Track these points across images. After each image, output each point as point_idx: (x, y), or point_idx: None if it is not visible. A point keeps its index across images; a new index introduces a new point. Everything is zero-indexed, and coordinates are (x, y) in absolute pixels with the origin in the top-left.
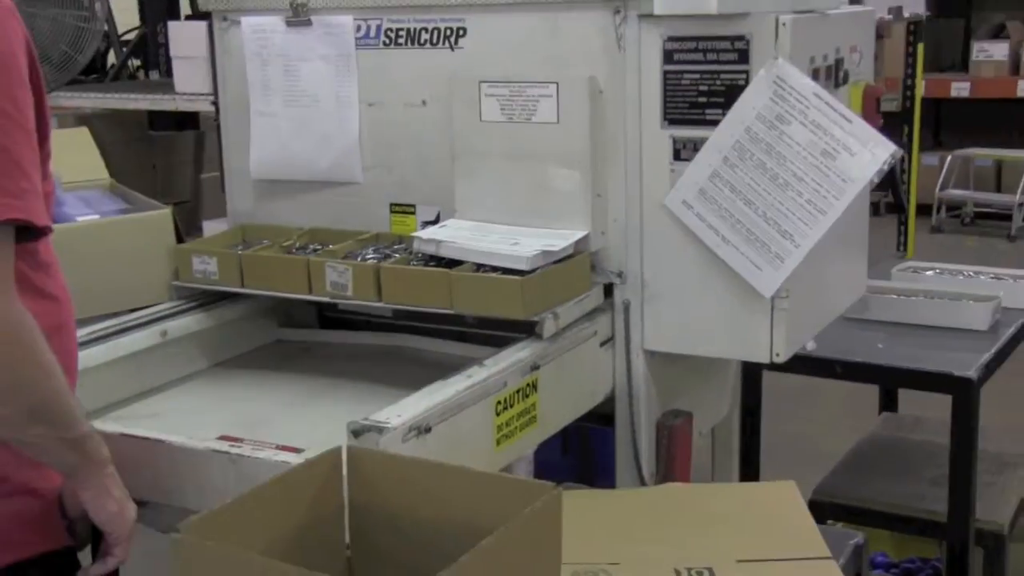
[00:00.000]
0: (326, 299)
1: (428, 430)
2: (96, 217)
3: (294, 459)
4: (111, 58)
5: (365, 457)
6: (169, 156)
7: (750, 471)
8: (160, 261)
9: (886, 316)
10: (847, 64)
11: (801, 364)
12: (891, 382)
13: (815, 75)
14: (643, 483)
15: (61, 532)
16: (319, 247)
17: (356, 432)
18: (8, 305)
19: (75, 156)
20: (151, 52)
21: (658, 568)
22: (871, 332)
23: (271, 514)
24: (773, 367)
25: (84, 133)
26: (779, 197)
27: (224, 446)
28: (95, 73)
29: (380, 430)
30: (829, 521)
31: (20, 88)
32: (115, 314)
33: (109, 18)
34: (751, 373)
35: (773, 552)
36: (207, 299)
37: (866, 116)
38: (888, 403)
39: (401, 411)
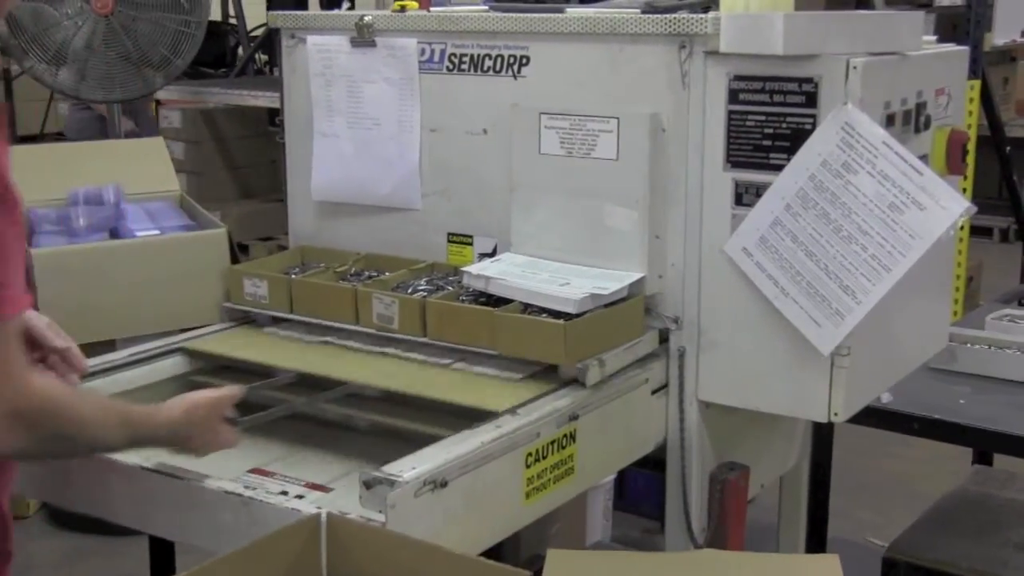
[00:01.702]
0: (372, 330)
1: (444, 484)
2: (155, 232)
3: (308, 506)
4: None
5: (344, 526)
6: None
7: (818, 528)
8: (213, 281)
9: (973, 368)
10: (930, 108)
11: (874, 417)
12: (970, 442)
13: (890, 120)
14: (692, 538)
15: None
16: (374, 274)
17: (367, 484)
18: (24, 389)
19: (147, 166)
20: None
21: None
22: (956, 386)
23: None
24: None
25: (159, 143)
26: (842, 250)
27: (238, 487)
28: (224, 67)
29: (391, 483)
30: None
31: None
32: (165, 333)
33: (238, 13)
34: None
35: None
36: (258, 322)
37: (950, 162)
38: (983, 453)
39: (417, 463)
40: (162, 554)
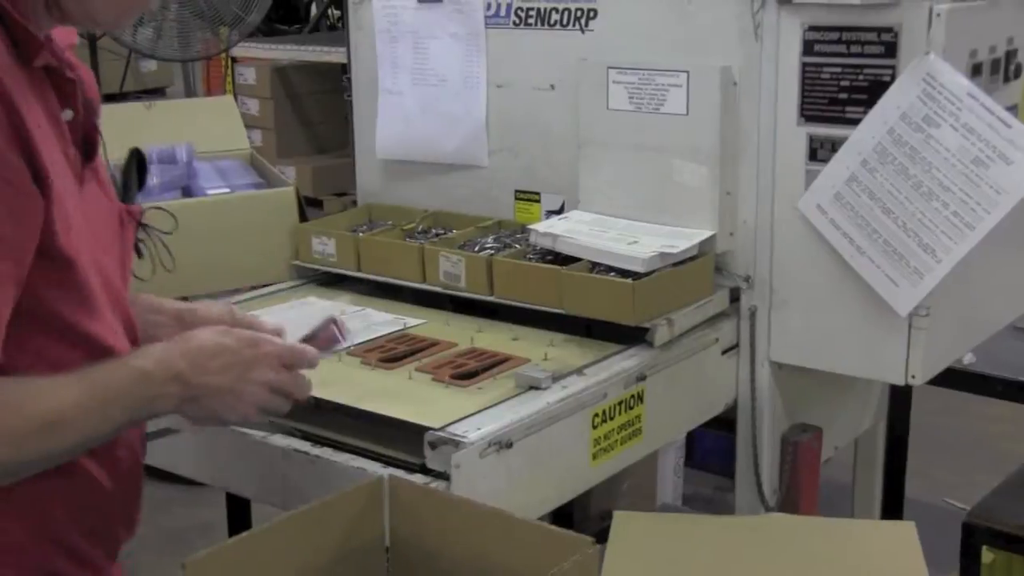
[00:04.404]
0: (439, 288)
1: (510, 445)
2: (225, 191)
3: (372, 466)
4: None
5: (407, 489)
6: None
7: (895, 489)
8: (282, 239)
9: None
10: (1021, 56)
11: (956, 379)
12: None
13: (976, 70)
14: (763, 501)
15: None
16: (441, 232)
17: (432, 444)
18: None
19: (218, 125)
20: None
21: None
22: None
23: (308, 541)
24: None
25: (229, 102)
26: (922, 207)
27: (305, 445)
28: (297, 23)
29: (456, 444)
30: (984, 548)
31: None
32: (235, 291)
33: None
34: None
35: None
36: (326, 279)
37: None
38: None
39: (481, 423)
40: (239, 505)
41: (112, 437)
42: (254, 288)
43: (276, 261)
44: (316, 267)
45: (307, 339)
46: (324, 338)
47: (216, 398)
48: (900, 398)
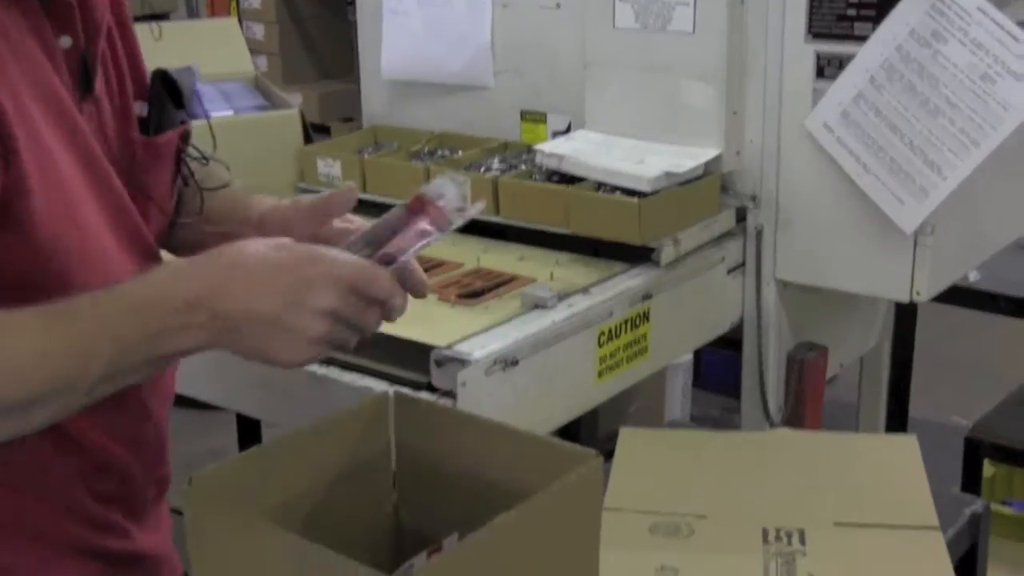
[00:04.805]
0: None
1: (515, 363)
2: (229, 114)
3: (378, 384)
4: None
5: (412, 405)
6: None
7: (899, 407)
8: (287, 162)
9: None
10: None
11: (960, 296)
12: None
13: None
14: (769, 418)
15: None
16: (447, 153)
17: (438, 362)
18: None
19: (222, 47)
20: None
21: (746, 525)
22: None
23: (314, 456)
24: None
25: (232, 24)
26: (928, 125)
27: (312, 365)
28: None
29: (462, 362)
30: (986, 462)
31: None
32: None
33: None
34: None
35: (876, 516)
36: None
37: None
38: None
39: (487, 342)
40: (249, 429)
41: (113, 388)
42: None
43: (281, 184)
44: (321, 189)
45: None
46: (415, 232)
47: (261, 328)
48: (905, 317)
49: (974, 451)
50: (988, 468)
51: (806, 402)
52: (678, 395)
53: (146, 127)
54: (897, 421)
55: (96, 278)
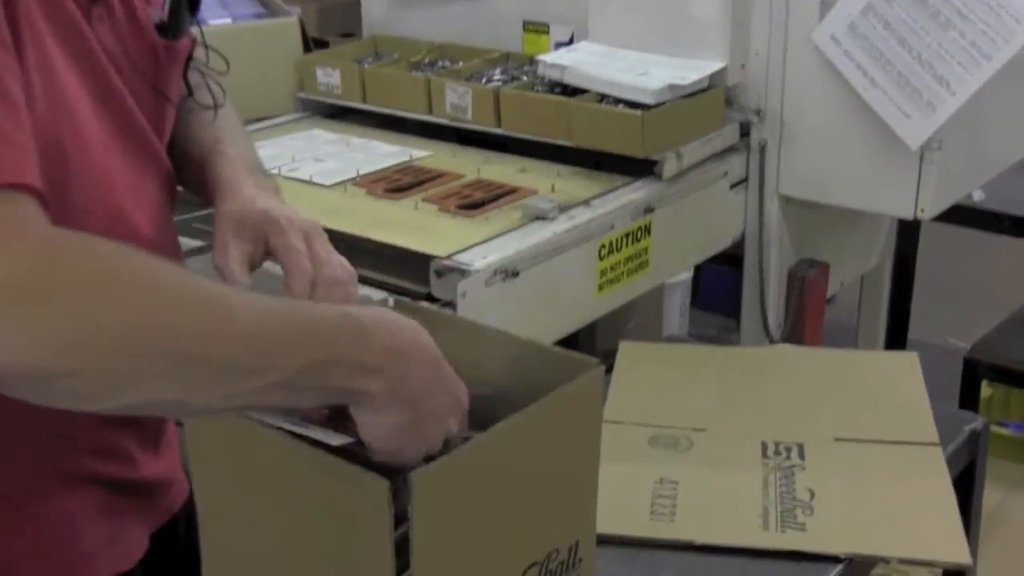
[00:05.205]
0: (445, 121)
1: (516, 274)
2: (227, 21)
3: (376, 293)
4: None
5: (413, 313)
6: None
7: (898, 328)
8: (286, 71)
9: None
10: None
11: (963, 215)
12: None
13: None
14: (768, 334)
15: None
16: (448, 64)
17: (438, 272)
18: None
19: None
20: None
21: (745, 439)
22: None
23: None
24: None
25: None
26: (938, 38)
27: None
28: None
29: (462, 272)
30: (984, 382)
31: None
32: None
33: None
34: (908, 221)
35: (875, 432)
36: (331, 112)
37: None
38: None
39: (487, 252)
40: None
41: (256, 404)
42: (258, 120)
43: (280, 93)
44: (321, 99)
45: None
46: None
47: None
48: (907, 236)
49: (972, 372)
50: (985, 390)
51: (806, 319)
52: (676, 313)
53: (164, 31)
54: (896, 342)
55: (100, 196)
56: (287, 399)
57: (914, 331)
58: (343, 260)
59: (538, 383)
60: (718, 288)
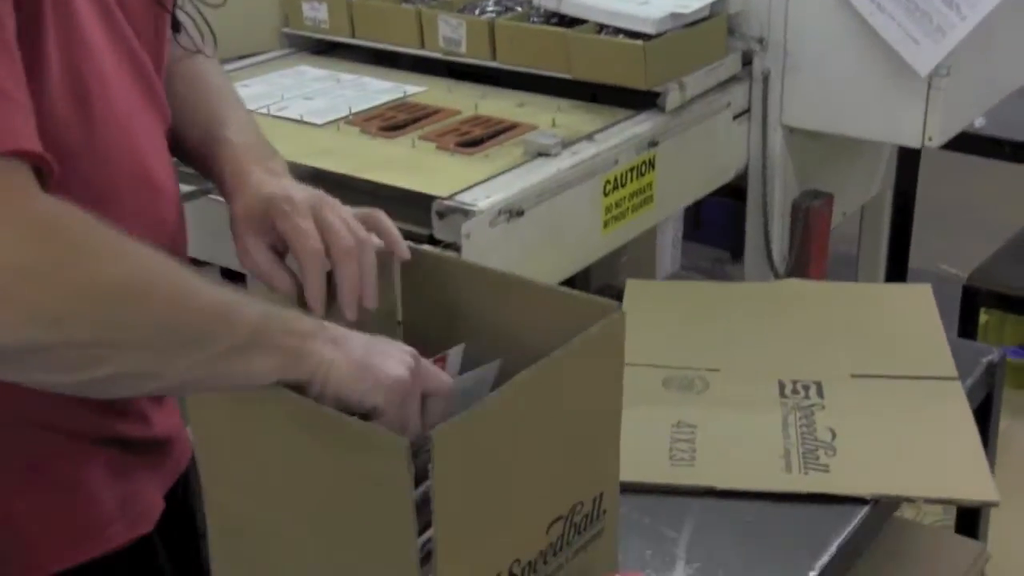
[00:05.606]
0: (438, 55)
1: (520, 213)
2: None
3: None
4: None
5: (416, 256)
6: None
7: (899, 256)
8: (271, 5)
9: None
10: None
11: (966, 142)
12: None
13: None
14: (772, 267)
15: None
16: None
17: (440, 213)
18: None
19: None
20: None
21: (761, 379)
22: None
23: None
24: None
25: None
26: None
27: None
28: None
29: (466, 212)
30: (983, 309)
31: None
32: (222, 61)
33: None
34: (908, 149)
35: (892, 367)
36: (318, 48)
37: None
38: None
39: (490, 191)
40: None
41: (208, 383)
42: (242, 58)
43: (265, 29)
44: (307, 34)
45: None
46: None
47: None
48: (908, 164)
49: (972, 299)
50: (982, 316)
51: (811, 251)
52: (668, 247)
53: None
54: (896, 272)
55: (123, 140)
56: (242, 366)
57: (911, 259)
58: (355, 224)
59: (557, 328)
60: (715, 218)
